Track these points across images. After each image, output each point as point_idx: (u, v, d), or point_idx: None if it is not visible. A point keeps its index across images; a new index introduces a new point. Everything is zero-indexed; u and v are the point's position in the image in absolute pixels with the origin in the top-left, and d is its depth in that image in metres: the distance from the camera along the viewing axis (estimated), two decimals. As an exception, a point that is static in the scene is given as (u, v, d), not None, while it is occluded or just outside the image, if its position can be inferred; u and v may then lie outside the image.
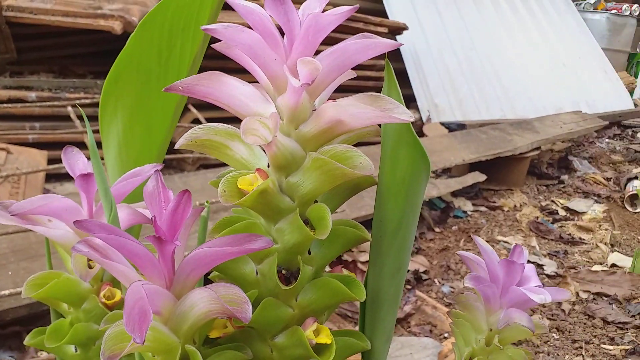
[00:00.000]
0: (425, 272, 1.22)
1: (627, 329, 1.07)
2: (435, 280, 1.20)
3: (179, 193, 0.36)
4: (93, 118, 1.28)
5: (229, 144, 0.38)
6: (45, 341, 0.43)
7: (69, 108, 1.25)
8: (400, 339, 0.89)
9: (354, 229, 0.39)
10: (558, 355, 0.98)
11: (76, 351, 0.46)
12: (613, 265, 1.34)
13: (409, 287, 1.15)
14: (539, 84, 2.35)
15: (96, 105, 1.36)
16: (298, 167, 0.36)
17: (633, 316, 1.11)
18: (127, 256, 0.33)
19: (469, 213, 1.60)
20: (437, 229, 1.41)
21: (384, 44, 0.35)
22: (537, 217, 1.60)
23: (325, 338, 0.37)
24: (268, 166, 0.36)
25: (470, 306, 0.47)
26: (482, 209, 1.65)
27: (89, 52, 1.66)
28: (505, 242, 1.44)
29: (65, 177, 1.26)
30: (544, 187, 1.89)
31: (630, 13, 3.86)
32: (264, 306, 0.37)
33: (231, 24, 0.33)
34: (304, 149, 0.36)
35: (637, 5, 3.97)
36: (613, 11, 3.85)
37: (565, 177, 1.94)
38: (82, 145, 1.28)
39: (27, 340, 0.46)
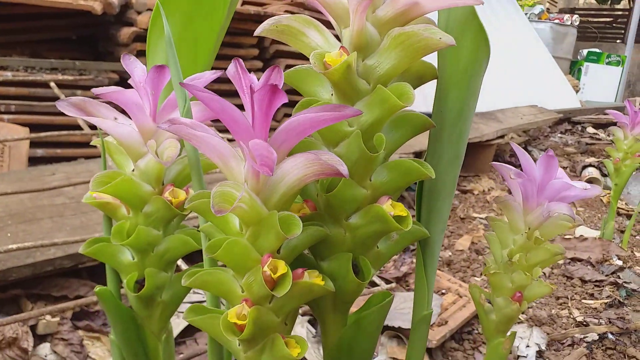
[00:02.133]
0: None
1: (603, 286, 1.14)
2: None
3: (269, 69, 0.37)
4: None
5: (305, 31, 0.40)
6: (112, 238, 0.43)
7: (52, 84, 1.21)
8: (403, 294, 0.92)
9: (422, 116, 0.41)
10: (541, 315, 1.03)
11: (133, 259, 0.46)
12: (581, 236, 1.42)
13: (403, 250, 1.18)
14: (498, 82, 2.47)
15: (76, 86, 1.33)
16: (374, 50, 0.38)
17: (607, 275, 1.18)
18: (226, 120, 0.34)
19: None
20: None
21: None
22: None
23: (401, 211, 0.39)
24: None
25: (508, 205, 0.51)
26: (455, 192, 1.72)
27: (61, 38, 1.62)
28: (480, 218, 1.51)
29: (43, 160, 1.22)
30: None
31: (571, 23, 4.14)
32: (341, 186, 0.39)
33: None
34: (379, 33, 0.38)
35: (576, 15, 4.26)
36: (556, 21, 4.12)
37: (526, 165, 2.06)
38: (58, 128, 1.25)
39: (83, 249, 0.45)
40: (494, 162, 0.53)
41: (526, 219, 0.50)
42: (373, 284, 1.00)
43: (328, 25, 0.43)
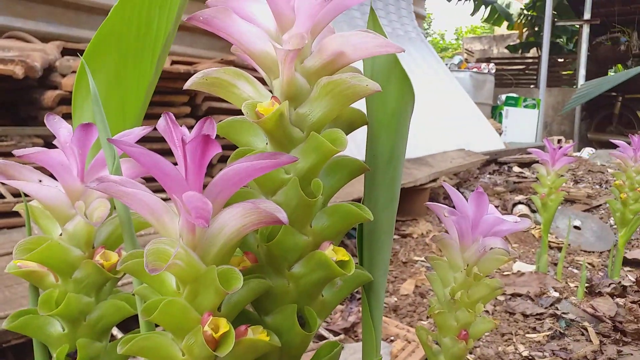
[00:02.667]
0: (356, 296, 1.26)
1: (543, 318, 1.18)
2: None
3: (201, 120, 0.37)
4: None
5: (236, 83, 0.40)
6: (40, 309, 0.40)
7: (-30, 151, 1.15)
8: (352, 345, 0.90)
9: (356, 160, 0.42)
10: (489, 354, 1.05)
11: (63, 330, 0.42)
12: (518, 271, 1.47)
13: (349, 299, 1.17)
14: (426, 129, 2.59)
15: (-4, 152, 1.27)
16: (305, 99, 0.39)
17: (546, 308, 1.22)
18: (159, 175, 0.33)
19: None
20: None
21: None
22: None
23: (343, 256, 0.39)
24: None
25: (446, 243, 0.52)
26: (395, 236, 1.74)
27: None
28: (422, 261, 1.53)
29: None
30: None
31: (488, 71, 4.44)
32: (281, 234, 0.38)
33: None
34: (309, 82, 0.39)
35: (492, 64, 4.58)
36: (474, 70, 4.41)
37: (460, 206, 2.13)
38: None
39: (7, 324, 0.42)
40: (428, 203, 0.55)
41: (464, 255, 0.51)
42: (321, 337, 0.98)
43: (262, 81, 0.43)
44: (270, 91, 0.41)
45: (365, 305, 0.46)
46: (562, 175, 1.29)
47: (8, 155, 1.26)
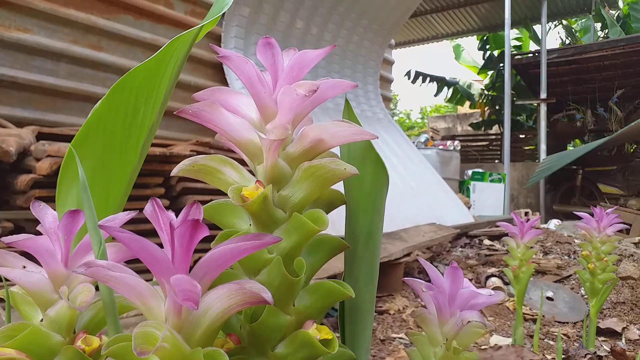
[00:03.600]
0: None
1: (524, 393, 1.16)
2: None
3: (188, 205, 0.39)
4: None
5: (221, 169, 0.42)
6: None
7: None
8: None
9: (336, 238, 0.44)
10: None
11: (41, 421, 0.41)
12: (495, 344, 1.47)
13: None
14: (398, 205, 2.64)
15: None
16: (287, 182, 0.42)
17: (525, 381, 1.21)
18: (146, 259, 0.34)
19: (362, 318, 1.67)
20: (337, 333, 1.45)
21: (346, 84, 0.44)
22: (423, 313, 1.73)
23: (327, 335, 0.40)
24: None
25: (425, 318, 0.53)
26: (372, 313, 1.73)
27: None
28: (400, 338, 1.51)
29: None
30: (420, 291, 2.05)
31: (453, 148, 4.62)
32: (265, 314, 0.39)
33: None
34: (290, 166, 0.42)
35: (457, 141, 4.79)
36: (440, 147, 4.58)
37: (435, 280, 2.15)
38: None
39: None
40: (405, 279, 0.56)
41: (442, 330, 0.52)
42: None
43: (241, 162, 0.46)
44: (253, 174, 0.43)
45: (349, 384, 0.46)
46: (531, 247, 1.33)
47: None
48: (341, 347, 0.44)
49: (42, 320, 0.42)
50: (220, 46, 3.02)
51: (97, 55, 2.15)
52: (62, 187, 0.51)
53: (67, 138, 1.59)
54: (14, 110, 1.90)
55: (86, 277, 0.43)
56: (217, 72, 2.73)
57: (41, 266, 0.42)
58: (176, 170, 0.41)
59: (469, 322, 0.51)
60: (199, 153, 1.78)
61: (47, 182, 1.38)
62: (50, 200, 1.45)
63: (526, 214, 4.44)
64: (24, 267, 0.41)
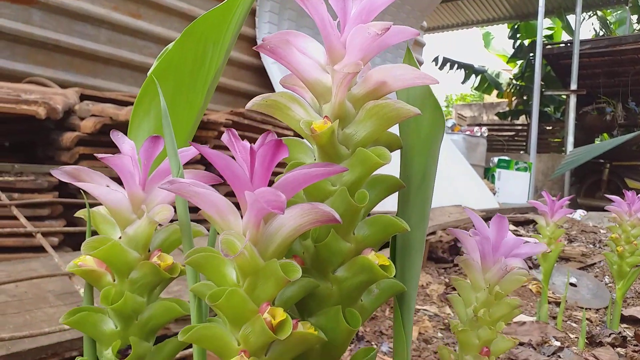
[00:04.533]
0: (361, 336, 1.26)
1: (546, 366, 1.19)
2: (372, 343, 1.25)
3: (264, 134, 0.42)
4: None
5: (290, 106, 0.45)
6: (101, 301, 0.43)
7: (-8, 183, 1.18)
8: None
9: (394, 177, 0.46)
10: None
11: (116, 328, 0.45)
12: (520, 320, 1.49)
13: (350, 348, 1.18)
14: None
15: (14, 189, 1.30)
16: (351, 121, 0.44)
17: (549, 356, 1.23)
18: (229, 176, 0.37)
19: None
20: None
21: (410, 31, 0.46)
22: (447, 288, 1.74)
23: (384, 261, 0.43)
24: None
25: (469, 264, 0.55)
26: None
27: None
28: (424, 309, 1.54)
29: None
30: (443, 270, 2.07)
31: (480, 134, 4.60)
32: (328, 239, 0.42)
33: None
34: (354, 107, 0.44)
35: (485, 128, 4.76)
36: (467, 133, 4.56)
37: (458, 261, 2.17)
38: None
39: (64, 319, 0.44)
40: (450, 228, 0.59)
41: (485, 276, 0.55)
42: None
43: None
44: (318, 115, 0.46)
45: (398, 316, 0.49)
46: (561, 227, 1.34)
47: (26, 191, 1.30)
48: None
49: (120, 238, 0.45)
50: (254, 21, 3.05)
51: (135, 23, 2.20)
52: (134, 123, 0.55)
53: (108, 101, 1.64)
54: (57, 73, 1.96)
55: (162, 200, 0.47)
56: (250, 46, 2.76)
57: (122, 187, 0.45)
58: (250, 105, 0.44)
59: (512, 268, 0.53)
60: (233, 122, 1.82)
61: (90, 140, 1.43)
62: (94, 157, 1.51)
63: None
64: (107, 186, 0.45)
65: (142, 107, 0.54)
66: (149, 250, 0.46)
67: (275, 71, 2.82)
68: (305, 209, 0.37)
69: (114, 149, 0.44)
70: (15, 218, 1.14)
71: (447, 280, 1.90)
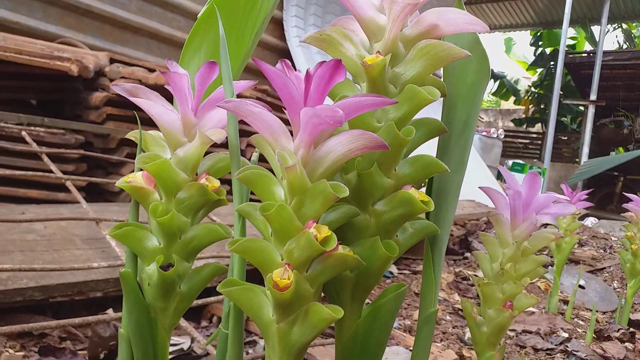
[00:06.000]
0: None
1: (554, 354, 1.20)
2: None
3: (320, 62, 0.43)
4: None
5: (342, 43, 0.47)
6: (150, 214, 0.45)
7: (23, 133, 1.20)
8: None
9: (437, 121, 0.48)
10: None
11: (159, 244, 0.47)
12: (529, 310, 1.49)
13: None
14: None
15: (42, 142, 1.33)
16: (401, 60, 0.45)
17: (556, 345, 1.24)
18: (285, 96, 0.39)
19: (395, 274, 1.71)
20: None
21: None
22: (457, 277, 1.75)
23: (424, 197, 0.44)
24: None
25: (499, 219, 0.57)
26: (406, 272, 1.77)
27: (21, 101, 1.62)
28: (433, 294, 1.56)
29: (8, 200, 1.18)
30: (452, 261, 2.08)
31: (497, 136, 4.59)
32: (371, 171, 0.44)
33: None
34: (405, 48, 0.46)
35: (502, 129, 4.75)
36: (483, 133, 4.56)
37: (468, 254, 2.17)
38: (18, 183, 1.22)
39: (111, 232, 0.46)
40: (481, 186, 0.60)
41: (514, 232, 0.56)
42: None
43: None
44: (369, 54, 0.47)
45: (428, 257, 0.50)
46: (577, 219, 1.35)
47: (54, 145, 1.32)
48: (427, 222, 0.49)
49: (170, 159, 0.47)
50: (282, 3, 3.06)
51: (166, -5, 2.22)
52: (185, 58, 0.56)
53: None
54: (87, 38, 1.99)
55: (213, 127, 0.48)
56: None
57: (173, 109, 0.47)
58: (305, 38, 0.46)
59: (541, 226, 0.54)
60: (257, 98, 1.84)
61: (119, 100, 1.46)
62: (121, 118, 1.53)
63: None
64: (163, 106, 0.46)
65: (193, 45, 0.56)
66: (197, 174, 0.48)
67: (299, 54, 2.84)
68: (354, 135, 0.39)
69: (141, 112, 0.46)
70: (41, 170, 1.16)
71: (456, 270, 1.91)
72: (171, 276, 0.46)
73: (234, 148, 0.45)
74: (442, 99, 0.51)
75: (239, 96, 0.48)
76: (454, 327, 1.29)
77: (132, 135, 0.49)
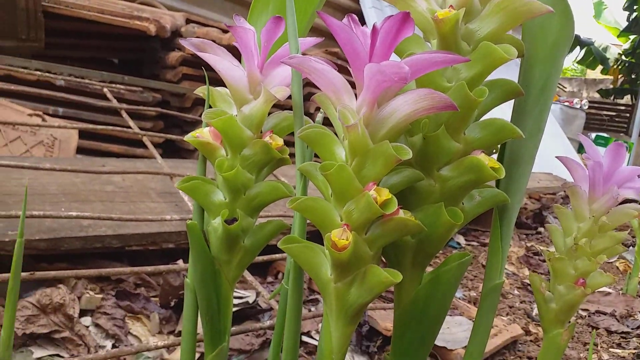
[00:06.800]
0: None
1: (630, 338, 1.14)
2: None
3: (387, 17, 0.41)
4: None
5: (414, -2, 0.44)
6: (216, 168, 0.46)
7: (105, 89, 1.27)
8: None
9: (513, 82, 0.45)
10: (572, 355, 1.02)
11: (224, 199, 0.48)
12: (604, 290, 1.42)
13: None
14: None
15: (122, 99, 1.39)
16: (475, 16, 0.42)
17: (633, 329, 1.18)
18: (349, 51, 0.37)
19: (463, 245, 1.68)
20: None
21: None
22: (528, 252, 1.69)
23: (494, 164, 0.42)
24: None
25: (575, 191, 0.53)
26: (474, 243, 1.73)
27: (105, 60, 1.70)
28: (501, 267, 1.51)
29: (92, 153, 1.26)
30: (524, 236, 2.00)
31: (580, 107, 4.31)
32: (438, 134, 0.42)
33: None
34: (480, 3, 0.43)
35: (586, 100, 4.45)
36: (566, 103, 4.29)
37: (541, 229, 2.08)
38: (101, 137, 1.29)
39: (179, 184, 0.48)
40: (558, 155, 0.56)
41: (592, 206, 0.52)
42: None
43: None
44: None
45: (496, 228, 0.48)
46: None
47: (132, 102, 1.38)
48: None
49: (236, 116, 0.47)
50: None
51: (242, -44, 2.22)
52: (253, 16, 0.56)
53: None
54: (165, -1, 2.04)
55: (278, 84, 0.48)
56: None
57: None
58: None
59: (624, 200, 0.50)
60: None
61: (194, 60, 1.49)
62: (196, 78, 1.58)
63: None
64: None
65: (261, 1, 0.55)
66: (261, 132, 0.48)
67: (371, 16, 2.77)
68: (421, 94, 0.37)
69: (212, 71, 0.46)
70: (120, 126, 1.22)
71: (528, 245, 1.84)
72: (235, 230, 0.47)
73: (297, 106, 0.45)
74: (519, 60, 0.48)
75: (305, 54, 0.47)
76: (521, 302, 1.25)
77: (200, 91, 0.50)
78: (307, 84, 1.84)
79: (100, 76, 1.38)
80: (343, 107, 0.37)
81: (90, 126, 1.06)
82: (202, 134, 0.48)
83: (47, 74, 1.28)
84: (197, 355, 0.66)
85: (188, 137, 0.48)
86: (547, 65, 0.46)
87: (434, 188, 0.43)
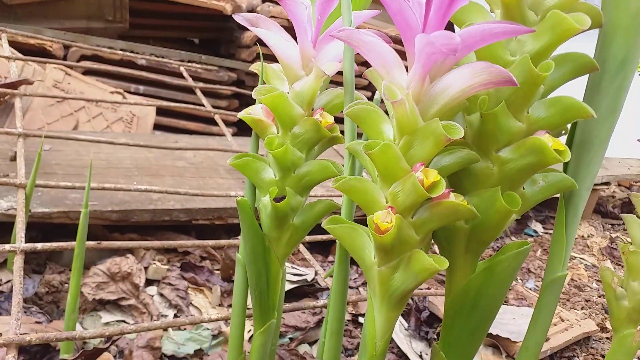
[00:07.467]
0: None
1: None
2: (518, 279, 1.19)
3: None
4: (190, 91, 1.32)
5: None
6: (265, 146, 0.46)
7: (181, 68, 1.32)
8: (504, 307, 0.88)
9: (586, 56, 0.40)
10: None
11: (275, 177, 0.48)
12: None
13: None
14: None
15: (199, 78, 1.43)
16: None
17: None
18: (400, 22, 0.35)
19: (540, 233, 1.59)
20: (513, 238, 1.41)
21: None
22: (612, 243, 1.58)
23: (559, 146, 0.38)
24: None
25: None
26: (552, 232, 1.64)
27: (186, 40, 1.75)
28: (581, 258, 1.42)
29: (169, 129, 1.32)
30: (609, 226, 1.86)
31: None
32: (498, 112, 0.39)
33: None
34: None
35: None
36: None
37: (631, 219, 1.93)
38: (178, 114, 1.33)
39: (231, 161, 0.48)
40: (642, 139, 0.51)
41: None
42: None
43: None
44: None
45: (561, 216, 0.45)
46: None
47: (209, 81, 1.42)
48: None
49: (287, 93, 0.47)
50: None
51: None
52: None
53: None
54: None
55: (330, 60, 0.47)
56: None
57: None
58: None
59: None
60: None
61: (267, 39, 1.50)
62: (270, 57, 1.59)
63: None
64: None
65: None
66: (312, 110, 0.47)
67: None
68: (477, 68, 0.34)
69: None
70: (196, 104, 1.26)
71: (612, 236, 1.71)
72: (284, 208, 0.47)
73: (348, 83, 0.43)
74: (597, 30, 0.43)
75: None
76: (599, 296, 1.16)
77: (255, 67, 0.49)
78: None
79: (179, 55, 1.43)
80: (389, 82, 0.35)
81: (165, 104, 1.10)
82: (255, 111, 0.48)
83: (129, 54, 1.34)
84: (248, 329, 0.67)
85: (241, 114, 0.48)
86: (628, 37, 0.41)
87: (491, 171, 0.40)
